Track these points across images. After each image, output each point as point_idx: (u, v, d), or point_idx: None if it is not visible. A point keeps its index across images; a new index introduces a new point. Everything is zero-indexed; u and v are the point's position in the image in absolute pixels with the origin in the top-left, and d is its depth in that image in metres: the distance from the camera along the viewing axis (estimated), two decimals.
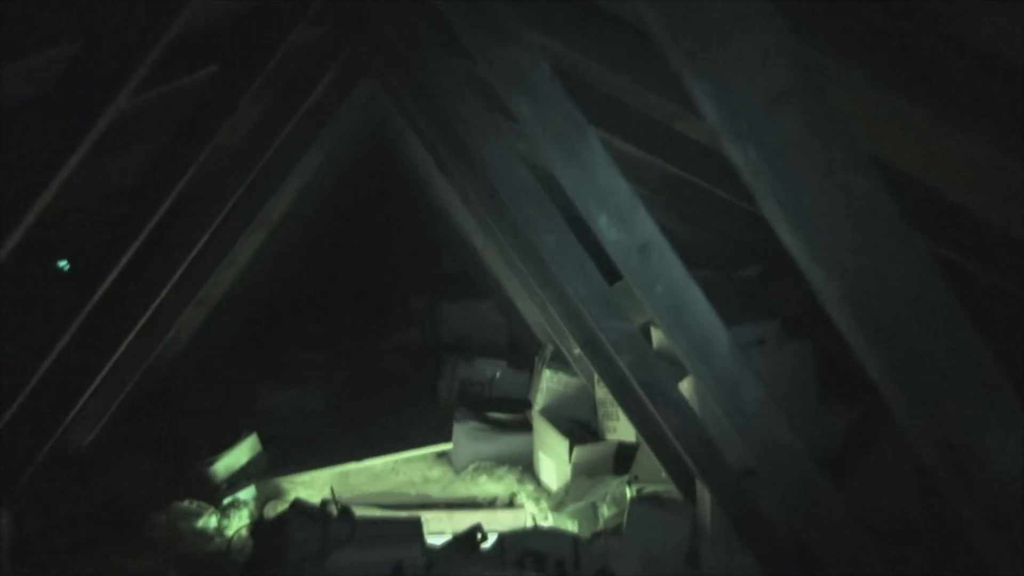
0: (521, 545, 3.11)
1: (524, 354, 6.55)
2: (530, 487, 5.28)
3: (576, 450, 4.84)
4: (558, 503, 4.83)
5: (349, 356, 7.70)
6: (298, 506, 3.30)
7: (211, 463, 5.01)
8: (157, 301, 4.06)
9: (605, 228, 2.12)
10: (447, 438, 5.34)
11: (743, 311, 4.01)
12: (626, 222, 2.13)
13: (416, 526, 3.29)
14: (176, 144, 3.23)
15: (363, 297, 8.31)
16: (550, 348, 5.69)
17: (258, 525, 3.50)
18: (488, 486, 5.41)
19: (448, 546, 3.51)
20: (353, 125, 5.87)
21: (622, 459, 4.87)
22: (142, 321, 3.92)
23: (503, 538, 3.20)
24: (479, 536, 3.43)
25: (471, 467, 5.52)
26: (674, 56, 1.04)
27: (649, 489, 3.95)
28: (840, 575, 2.75)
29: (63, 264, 3.81)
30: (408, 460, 5.55)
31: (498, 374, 6.34)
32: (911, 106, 1.88)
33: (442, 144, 4.41)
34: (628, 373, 3.10)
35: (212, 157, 3.48)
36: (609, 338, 3.05)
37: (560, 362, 5.53)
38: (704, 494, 3.37)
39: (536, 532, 3.66)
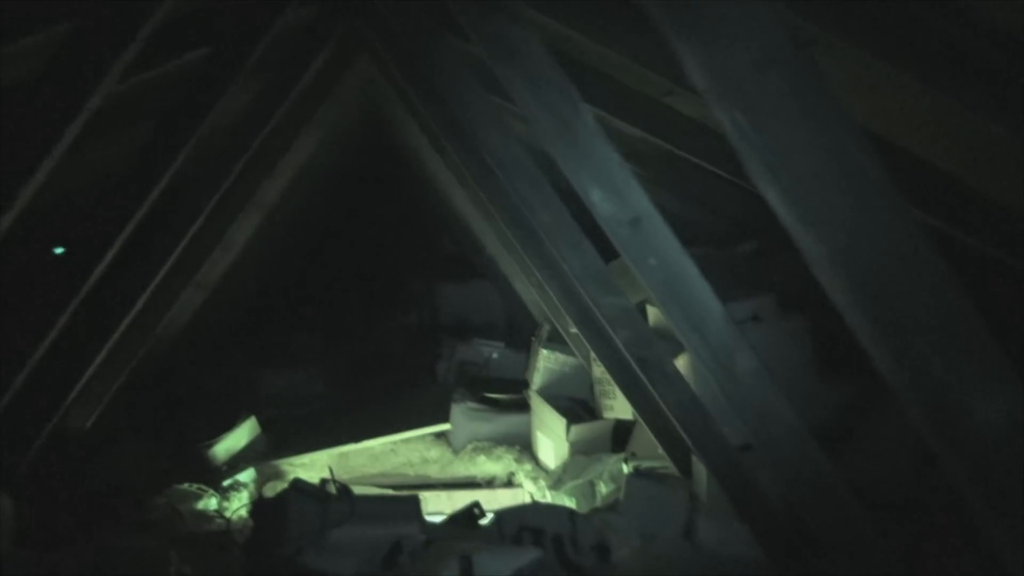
0: (518, 521, 3.14)
1: (522, 335, 6.57)
2: (528, 466, 5.32)
3: (573, 428, 4.87)
4: (556, 481, 4.86)
5: (349, 339, 7.72)
6: (297, 485, 3.32)
7: (210, 446, 5.04)
8: (154, 283, 4.07)
9: (598, 202, 2.12)
10: (445, 418, 5.37)
11: (739, 287, 4.02)
12: (619, 195, 2.14)
13: (415, 503, 3.31)
14: (168, 127, 3.22)
15: (362, 280, 8.32)
16: (547, 328, 5.71)
17: (258, 504, 3.53)
18: (486, 466, 5.44)
19: (446, 523, 3.54)
20: (349, 106, 5.86)
21: (619, 437, 4.90)
22: (140, 303, 3.92)
23: (500, 514, 3.22)
24: (477, 513, 3.45)
25: (469, 447, 5.56)
26: (662, 20, 1.04)
27: (646, 465, 3.98)
28: (836, 546, 2.78)
29: (59, 251, 3.82)
30: (407, 441, 5.57)
31: (495, 355, 6.36)
32: (902, 76, 1.88)
33: (438, 125, 4.40)
34: (623, 349, 3.11)
35: (206, 138, 3.47)
36: (604, 314, 3.07)
37: (557, 342, 5.54)
38: (700, 468, 3.40)
39: (533, 508, 3.68)
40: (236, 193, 4.79)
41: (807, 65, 1.04)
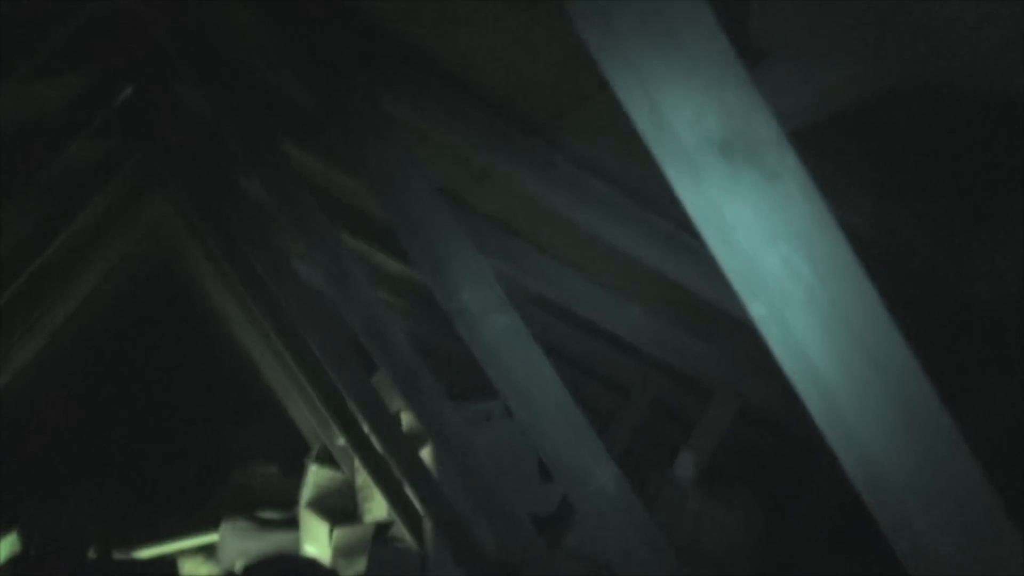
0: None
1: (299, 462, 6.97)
2: None
3: (336, 533, 5.32)
4: None
5: (124, 481, 7.72)
6: None
7: None
8: None
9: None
10: (212, 530, 5.64)
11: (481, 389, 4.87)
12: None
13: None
14: None
15: (142, 422, 8.39)
16: (318, 446, 6.21)
17: None
18: None
19: None
20: (138, 243, 6.33)
21: (381, 540, 5.39)
22: None
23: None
24: None
25: (238, 564, 5.79)
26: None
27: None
28: None
29: None
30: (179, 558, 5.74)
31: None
32: None
33: (229, 261, 4.94)
34: (362, 420, 3.77)
35: None
36: (351, 396, 3.74)
37: (328, 460, 6.05)
38: (429, 531, 4.04)
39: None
40: (9, 316, 5.01)
41: None
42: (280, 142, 3.18)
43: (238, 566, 5.78)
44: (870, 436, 0.85)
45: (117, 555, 3.69)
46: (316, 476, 5.91)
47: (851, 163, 1.76)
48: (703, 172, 0.83)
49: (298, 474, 6.61)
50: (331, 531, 5.31)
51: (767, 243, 0.82)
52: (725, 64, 0.81)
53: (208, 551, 5.90)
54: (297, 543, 5.89)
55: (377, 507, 5.24)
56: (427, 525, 4.03)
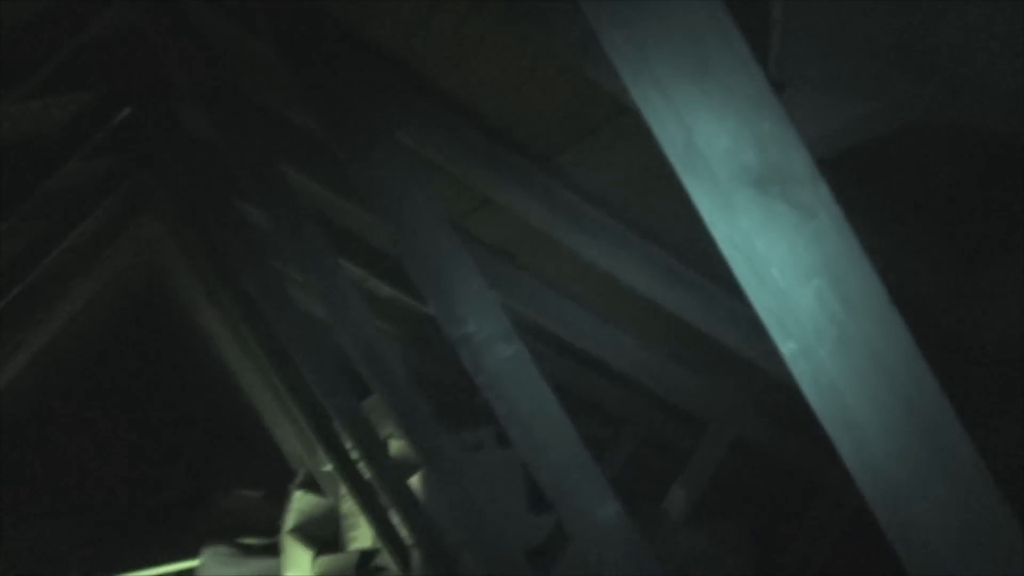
0: None
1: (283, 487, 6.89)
2: None
3: (318, 560, 5.24)
4: None
5: (108, 502, 7.61)
6: None
7: None
8: None
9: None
10: (193, 556, 5.55)
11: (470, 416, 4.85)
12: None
13: None
14: None
15: (123, 444, 8.28)
16: (303, 473, 6.13)
17: None
18: None
19: None
20: (129, 263, 6.28)
21: (365, 569, 5.32)
22: None
23: None
24: None
25: None
26: None
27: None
28: None
29: None
30: None
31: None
32: None
33: (223, 284, 4.91)
34: (350, 446, 3.73)
35: None
36: (340, 421, 3.70)
37: (312, 486, 5.97)
38: (417, 558, 3.99)
39: None
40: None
41: None
42: (280, 165, 3.17)
43: None
44: (901, 476, 0.84)
45: None
46: (300, 502, 5.83)
47: (858, 200, 1.77)
48: (737, 205, 0.82)
49: (282, 500, 6.53)
50: (314, 558, 5.23)
51: (801, 279, 0.82)
52: (761, 96, 0.81)
53: None
54: (279, 570, 5.79)
55: (362, 535, 5.18)
56: (414, 554, 3.98)
